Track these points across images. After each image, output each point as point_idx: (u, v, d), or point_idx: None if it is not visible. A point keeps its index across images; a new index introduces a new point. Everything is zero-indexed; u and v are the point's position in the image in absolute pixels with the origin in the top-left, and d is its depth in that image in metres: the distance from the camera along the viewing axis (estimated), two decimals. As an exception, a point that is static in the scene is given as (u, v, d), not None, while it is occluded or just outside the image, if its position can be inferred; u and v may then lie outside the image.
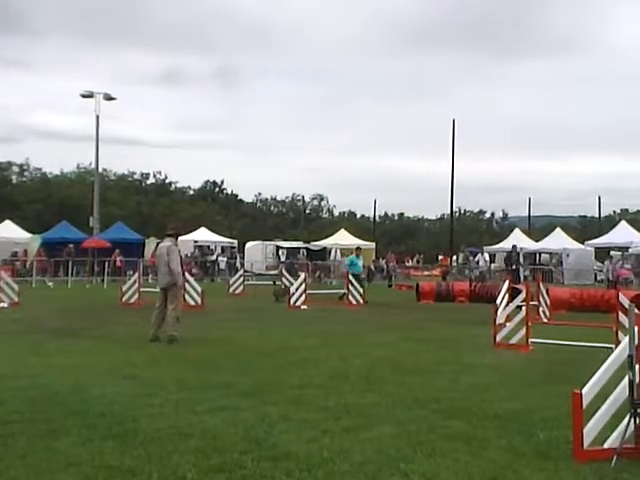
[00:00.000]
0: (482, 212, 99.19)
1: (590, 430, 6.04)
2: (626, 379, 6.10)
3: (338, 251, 48.81)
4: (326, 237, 53.92)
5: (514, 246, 36.71)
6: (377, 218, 79.91)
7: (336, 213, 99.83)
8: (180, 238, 48.03)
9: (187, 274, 24.00)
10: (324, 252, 49.69)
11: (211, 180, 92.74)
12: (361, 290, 24.31)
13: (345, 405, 8.12)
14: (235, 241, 51.62)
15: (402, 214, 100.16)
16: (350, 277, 24.49)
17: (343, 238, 52.26)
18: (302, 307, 22.48)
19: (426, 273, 49.42)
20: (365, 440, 6.60)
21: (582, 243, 48.25)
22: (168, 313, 13.85)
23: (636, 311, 6.47)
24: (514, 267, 34.67)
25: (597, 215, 68.33)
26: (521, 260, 40.59)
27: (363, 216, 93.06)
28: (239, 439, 6.56)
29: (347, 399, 8.45)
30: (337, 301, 24.75)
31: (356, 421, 7.33)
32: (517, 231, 53.12)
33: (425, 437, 6.75)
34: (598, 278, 41.82)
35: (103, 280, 36.03)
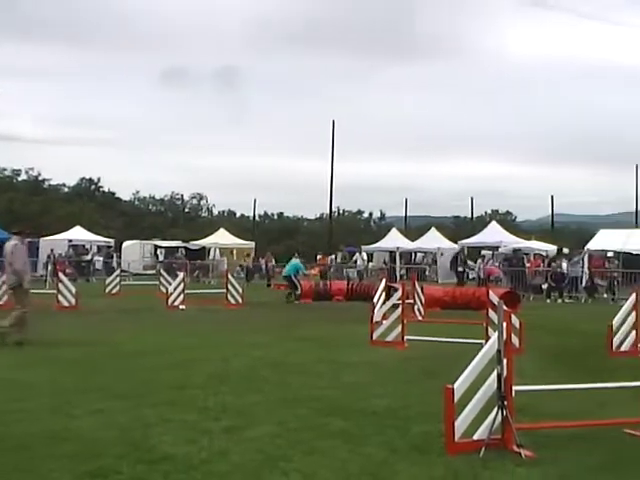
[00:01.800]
0: (360, 212, 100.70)
1: (461, 423, 6.27)
2: (495, 373, 6.37)
3: (217, 250, 48.48)
4: (205, 236, 53.45)
5: (462, 249, 37.08)
6: (257, 217, 79.82)
7: (215, 212, 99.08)
8: (54, 237, 46.70)
9: (61, 274, 23.34)
10: (203, 251, 49.24)
11: (87, 178, 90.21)
12: (240, 290, 24.25)
13: (225, 405, 8.10)
14: (112, 240, 50.36)
15: (282, 213, 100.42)
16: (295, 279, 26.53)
17: (222, 237, 51.98)
18: (180, 307, 22.22)
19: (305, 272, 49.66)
20: (245, 440, 6.61)
21: (455, 243, 49.70)
22: (15, 312, 13.33)
23: (504, 308, 6.76)
24: (461, 269, 35.13)
25: (470, 215, 70.68)
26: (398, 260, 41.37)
27: (243, 215, 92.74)
28: (115, 443, 6.44)
29: (227, 399, 8.43)
30: (216, 301, 24.58)
31: (236, 421, 7.33)
32: (394, 231, 54.10)
33: (304, 435, 6.82)
34: (470, 277, 43.17)
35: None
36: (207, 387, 9.20)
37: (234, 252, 50.90)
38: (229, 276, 25.09)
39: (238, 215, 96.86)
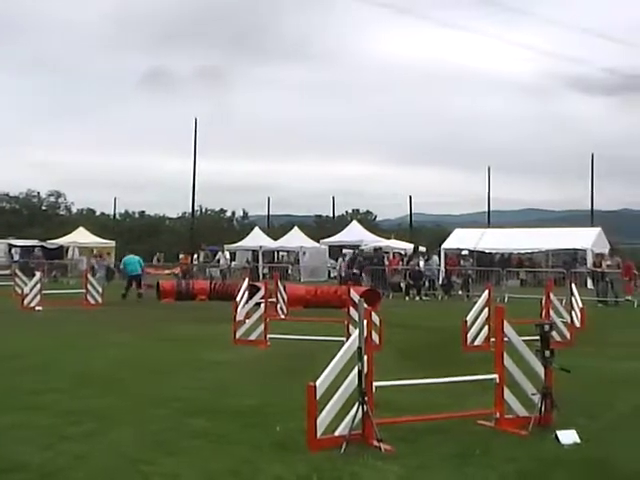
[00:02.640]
0: (223, 211, 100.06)
1: (323, 420, 6.39)
2: (356, 369, 6.52)
3: (76, 249, 47.03)
4: (64, 235, 51.72)
5: (361, 250, 36.39)
6: (117, 216, 77.93)
7: (74, 210, 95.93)
8: None
9: None
10: (61, 250, 47.64)
11: None
12: (100, 290, 23.66)
13: (85, 409, 7.90)
14: (-37, 240, 47.98)
15: (143, 212, 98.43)
16: None
17: (82, 236, 50.51)
18: (37, 308, 21.44)
19: (167, 272, 48.95)
20: (105, 444, 6.48)
21: (318, 241, 50.33)
22: None
23: (365, 306, 6.93)
24: (357, 271, 32.53)
25: (331, 215, 71.72)
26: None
27: (103, 214, 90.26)
28: (-33, 451, 6.17)
29: (87, 403, 8.23)
30: (75, 301, 23.82)
31: (96, 425, 7.17)
32: (257, 230, 54.18)
33: (167, 436, 6.76)
34: (332, 275, 43.81)
35: None
36: (68, 390, 8.95)
37: (94, 251, 49.54)
38: (88, 276, 24.43)
39: (98, 213, 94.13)
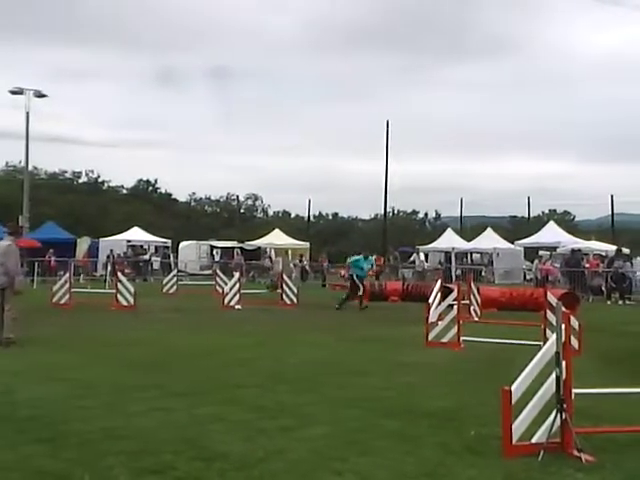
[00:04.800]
0: (415, 212, 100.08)
1: (518, 426, 6.18)
2: (553, 375, 6.27)
3: (272, 251, 48.76)
4: (260, 237, 53.78)
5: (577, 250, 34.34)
6: (311, 218, 79.96)
7: (270, 213, 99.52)
8: (113, 238, 47.55)
9: (120, 274, 23.72)
10: (258, 252, 49.56)
11: (144, 179, 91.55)
12: (295, 290, 24.32)
13: (280, 405, 8.13)
14: (169, 241, 51.02)
15: (336, 214, 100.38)
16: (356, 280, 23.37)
17: (277, 238, 52.25)
18: (236, 307, 22.40)
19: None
20: (300, 439, 6.63)
21: (512, 243, 49.16)
22: (5, 315, 13.13)
23: (563, 309, 6.65)
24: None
25: (527, 215, 69.78)
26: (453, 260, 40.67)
27: (297, 216, 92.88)
28: (172, 440, 6.51)
29: (282, 399, 8.47)
30: (272, 301, 24.67)
31: (291, 421, 7.35)
32: (449, 231, 53.76)
33: (359, 436, 6.80)
34: (527, 277, 42.64)
35: (33, 280, 35.24)
36: (263, 386, 9.25)
37: (289, 252, 51.12)
38: (284, 276, 25.18)
39: (293, 215, 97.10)
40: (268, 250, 48.80)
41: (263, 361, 11.52)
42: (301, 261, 44.80)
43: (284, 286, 24.16)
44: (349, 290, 23.61)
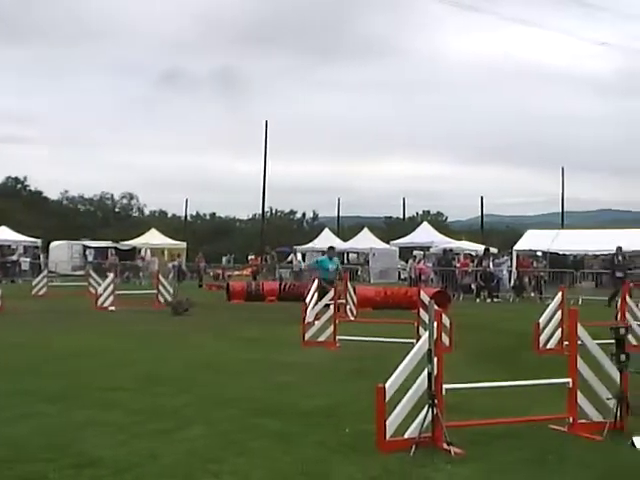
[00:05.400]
0: (293, 212, 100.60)
1: (392, 422, 6.34)
2: (425, 372, 6.46)
3: (148, 251, 47.89)
4: (136, 236, 52.75)
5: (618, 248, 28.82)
6: (188, 217, 79.02)
7: (147, 212, 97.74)
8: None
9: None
10: (133, 252, 48.58)
11: (13, 176, 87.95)
12: (171, 291, 23.95)
13: (157, 407, 8.03)
14: (39, 240, 49.22)
15: (214, 214, 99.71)
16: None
17: (153, 237, 51.42)
18: (110, 308, 21.90)
19: (237, 273, 49.45)
20: (176, 442, 6.56)
21: (387, 243, 50.18)
22: None
23: (435, 307, 6.86)
24: (621, 275, 26.45)
25: (402, 216, 71.49)
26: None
27: (174, 215, 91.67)
28: (44, 447, 6.32)
29: (159, 401, 8.36)
30: (146, 302, 24.20)
31: (168, 423, 7.27)
32: (327, 231, 54.33)
33: (237, 436, 6.80)
34: (402, 276, 43.61)
35: None
36: (139, 389, 9.10)
37: (165, 252, 50.38)
38: (160, 277, 24.81)
39: (170, 215, 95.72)
40: (143, 250, 47.94)
41: (139, 363, 11.32)
42: (174, 260, 44.23)
43: (160, 287, 23.78)
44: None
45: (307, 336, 13.87)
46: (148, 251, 47.65)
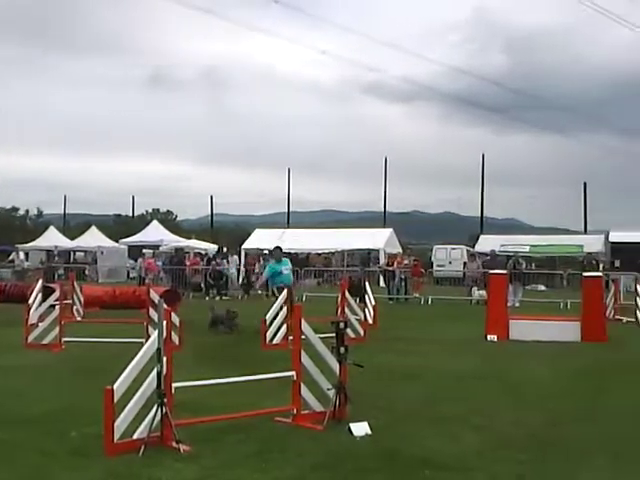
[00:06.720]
0: (15, 209, 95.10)
1: (121, 423, 6.28)
2: (155, 371, 6.47)
3: None
4: None
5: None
6: None
7: None
8: None
9: None
10: None
11: None
12: None
13: None
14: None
15: None
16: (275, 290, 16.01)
17: None
18: None
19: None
20: None
21: (116, 241, 49.20)
22: None
23: (165, 306, 6.90)
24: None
25: (131, 214, 70.35)
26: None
27: None
28: None
29: None
30: None
31: None
32: (52, 229, 52.16)
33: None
34: (131, 275, 42.93)
35: None
36: None
37: None
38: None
39: None
40: None
41: None
42: None
43: None
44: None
45: (30, 338, 13.27)
46: None
